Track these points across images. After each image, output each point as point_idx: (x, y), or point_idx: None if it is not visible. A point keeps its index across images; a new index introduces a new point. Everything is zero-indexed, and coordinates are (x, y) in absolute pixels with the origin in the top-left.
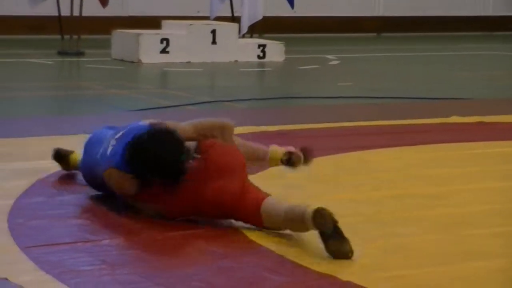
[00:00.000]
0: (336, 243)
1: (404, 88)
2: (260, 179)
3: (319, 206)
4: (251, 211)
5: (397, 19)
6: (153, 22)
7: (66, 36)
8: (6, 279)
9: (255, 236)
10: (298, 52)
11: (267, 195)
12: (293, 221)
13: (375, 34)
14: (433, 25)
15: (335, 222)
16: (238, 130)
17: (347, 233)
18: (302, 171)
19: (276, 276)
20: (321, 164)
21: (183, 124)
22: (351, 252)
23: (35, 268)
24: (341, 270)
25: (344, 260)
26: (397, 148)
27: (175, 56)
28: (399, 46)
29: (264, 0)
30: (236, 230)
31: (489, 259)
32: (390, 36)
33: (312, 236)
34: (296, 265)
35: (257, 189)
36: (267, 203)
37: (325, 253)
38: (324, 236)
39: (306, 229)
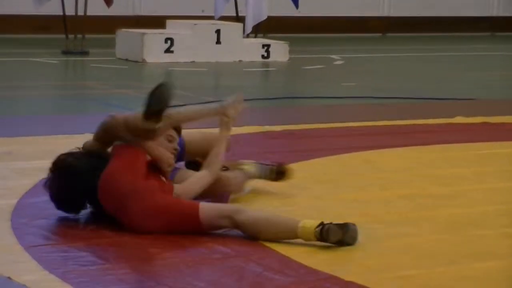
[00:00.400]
0: (348, 237)
1: (408, 88)
2: (265, 181)
3: (318, 224)
4: (191, 222)
5: (402, 19)
6: (157, 22)
7: (71, 36)
8: (9, 278)
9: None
10: (303, 52)
11: (197, 203)
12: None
13: (380, 34)
14: (438, 25)
15: (337, 225)
16: (243, 130)
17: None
18: (307, 171)
19: (281, 276)
20: (326, 164)
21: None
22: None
23: (39, 267)
24: (346, 271)
25: (349, 260)
26: (402, 148)
27: (180, 55)
28: (404, 46)
29: (268, 0)
30: (239, 231)
31: (495, 259)
32: (395, 36)
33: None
34: (301, 266)
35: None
36: (204, 205)
37: (330, 254)
38: (339, 242)
39: (290, 238)
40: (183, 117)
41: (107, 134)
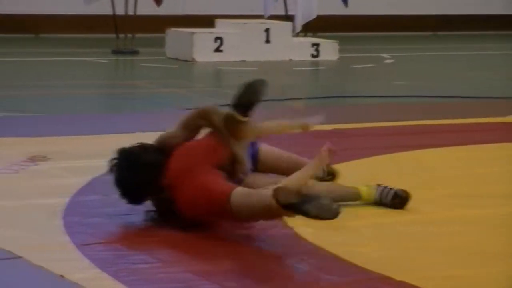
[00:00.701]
0: (312, 206)
1: (459, 87)
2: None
3: (280, 187)
4: (218, 204)
5: (453, 18)
6: (207, 21)
7: (121, 35)
8: (62, 276)
9: (307, 235)
10: (352, 51)
11: (233, 186)
12: (262, 208)
13: (430, 32)
14: (490, 23)
15: (298, 192)
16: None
17: (399, 233)
18: (355, 170)
19: (330, 275)
20: (374, 163)
21: (174, 128)
22: (332, 204)
23: (91, 265)
24: (394, 269)
25: (392, 257)
26: (452, 148)
27: (229, 54)
28: (454, 45)
29: None
30: (289, 230)
31: None
32: (445, 34)
33: (365, 236)
34: (350, 265)
35: (221, 181)
36: (236, 193)
37: (380, 253)
38: (297, 207)
39: (275, 215)
40: (270, 127)
41: (200, 120)
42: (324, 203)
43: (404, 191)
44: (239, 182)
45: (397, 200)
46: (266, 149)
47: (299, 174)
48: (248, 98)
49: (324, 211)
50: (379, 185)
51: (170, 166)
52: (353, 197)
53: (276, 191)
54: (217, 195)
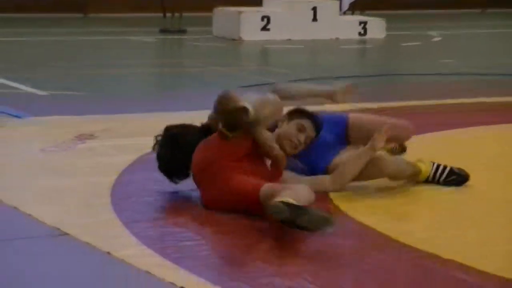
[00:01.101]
0: (304, 218)
1: (508, 65)
2: None
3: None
4: (252, 201)
5: None
6: (254, 0)
7: (168, 14)
8: (109, 253)
9: (358, 215)
10: (400, 29)
11: (259, 185)
12: None
13: (479, 10)
14: None
15: (286, 204)
16: (340, 107)
17: (451, 212)
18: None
19: (380, 254)
20: (423, 141)
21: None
22: (325, 215)
23: (137, 242)
24: (444, 248)
25: (443, 236)
26: (501, 126)
27: (276, 33)
28: (503, 22)
29: None
30: (339, 211)
31: None
32: (494, 12)
33: (416, 215)
34: (400, 244)
35: (246, 179)
36: (262, 192)
37: (429, 233)
38: (289, 222)
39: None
40: (294, 92)
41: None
42: (316, 214)
43: (461, 169)
44: (277, 162)
45: (453, 178)
46: (355, 116)
47: (352, 163)
48: (230, 123)
49: (317, 223)
50: (433, 163)
51: (194, 157)
52: (416, 174)
53: (268, 208)
54: (248, 196)
